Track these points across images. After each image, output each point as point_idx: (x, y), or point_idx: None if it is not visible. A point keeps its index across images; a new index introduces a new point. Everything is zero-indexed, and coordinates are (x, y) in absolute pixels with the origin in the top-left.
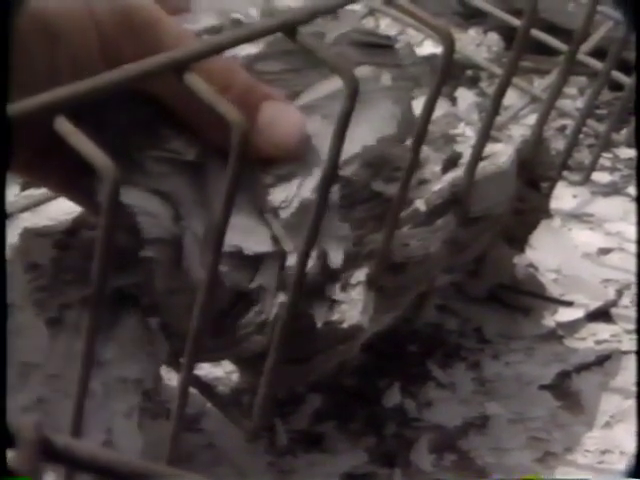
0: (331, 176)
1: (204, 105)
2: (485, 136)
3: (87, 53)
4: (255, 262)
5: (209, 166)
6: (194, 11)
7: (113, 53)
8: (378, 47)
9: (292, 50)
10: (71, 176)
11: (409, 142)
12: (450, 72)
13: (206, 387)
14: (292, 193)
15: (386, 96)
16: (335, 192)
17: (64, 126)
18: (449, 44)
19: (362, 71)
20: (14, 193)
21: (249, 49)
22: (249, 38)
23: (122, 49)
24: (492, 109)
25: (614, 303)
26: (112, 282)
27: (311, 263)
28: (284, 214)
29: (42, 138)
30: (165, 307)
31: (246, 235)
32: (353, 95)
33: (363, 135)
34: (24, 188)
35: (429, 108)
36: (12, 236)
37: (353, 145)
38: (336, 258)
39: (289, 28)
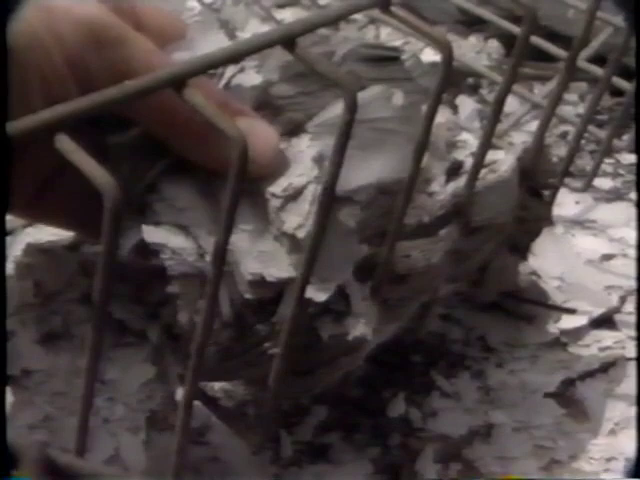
0: (331, 188)
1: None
2: (486, 144)
3: (55, 72)
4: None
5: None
6: (190, 37)
7: (81, 70)
8: (386, 60)
9: (306, 73)
10: (74, 209)
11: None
12: (449, 81)
13: (210, 400)
14: (305, 211)
15: (401, 124)
16: (352, 216)
17: (65, 144)
18: (447, 53)
19: (374, 90)
20: None
21: (258, 77)
22: (248, 52)
23: (89, 65)
24: (493, 117)
25: (618, 310)
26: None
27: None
28: (300, 234)
29: (43, 167)
30: (189, 339)
31: (266, 262)
32: (352, 106)
33: (379, 168)
34: None
35: (430, 117)
36: (15, 252)
37: (369, 175)
38: (352, 291)
39: (288, 41)
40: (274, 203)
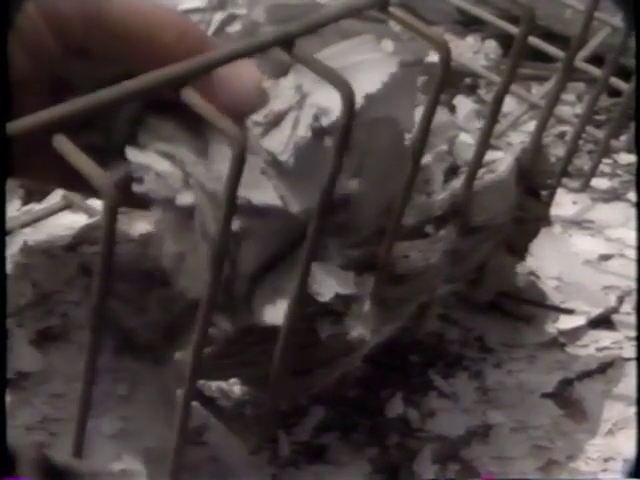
0: (330, 191)
1: None
2: (484, 144)
3: (29, 21)
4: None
5: (206, 127)
6: None
7: (53, 16)
8: (374, 20)
9: (293, 17)
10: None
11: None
12: (447, 82)
13: (208, 400)
14: (287, 136)
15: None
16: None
17: (63, 144)
18: (445, 54)
19: (363, 37)
20: (15, 208)
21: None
22: (246, 53)
23: (61, 11)
24: (491, 117)
25: (615, 310)
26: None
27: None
28: (283, 157)
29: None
30: (176, 274)
31: (251, 189)
32: (350, 108)
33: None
34: (25, 203)
35: (428, 117)
36: (13, 252)
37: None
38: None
39: (286, 41)
40: (256, 131)
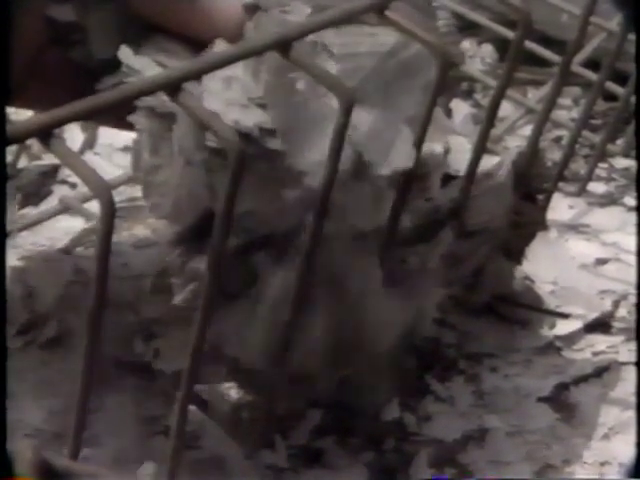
0: (327, 192)
1: None
2: (481, 149)
3: None
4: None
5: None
6: None
7: None
8: None
9: None
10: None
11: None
12: (446, 87)
13: (205, 404)
14: None
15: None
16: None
17: (61, 147)
18: (444, 60)
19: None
20: (12, 211)
21: None
22: (242, 56)
23: None
24: (487, 121)
25: (611, 314)
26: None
27: None
28: None
29: (32, 42)
30: (148, 187)
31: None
32: (348, 111)
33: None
34: (22, 206)
35: (425, 123)
36: (10, 255)
37: None
38: None
39: (283, 45)
40: None
